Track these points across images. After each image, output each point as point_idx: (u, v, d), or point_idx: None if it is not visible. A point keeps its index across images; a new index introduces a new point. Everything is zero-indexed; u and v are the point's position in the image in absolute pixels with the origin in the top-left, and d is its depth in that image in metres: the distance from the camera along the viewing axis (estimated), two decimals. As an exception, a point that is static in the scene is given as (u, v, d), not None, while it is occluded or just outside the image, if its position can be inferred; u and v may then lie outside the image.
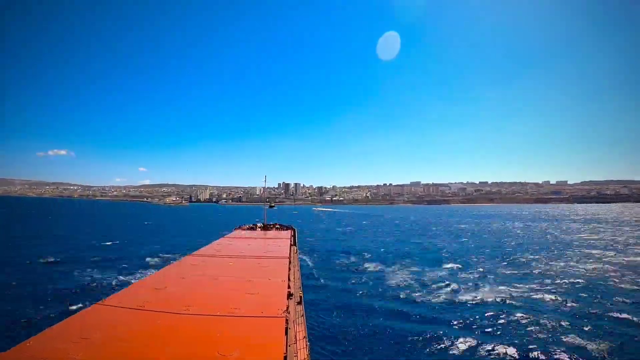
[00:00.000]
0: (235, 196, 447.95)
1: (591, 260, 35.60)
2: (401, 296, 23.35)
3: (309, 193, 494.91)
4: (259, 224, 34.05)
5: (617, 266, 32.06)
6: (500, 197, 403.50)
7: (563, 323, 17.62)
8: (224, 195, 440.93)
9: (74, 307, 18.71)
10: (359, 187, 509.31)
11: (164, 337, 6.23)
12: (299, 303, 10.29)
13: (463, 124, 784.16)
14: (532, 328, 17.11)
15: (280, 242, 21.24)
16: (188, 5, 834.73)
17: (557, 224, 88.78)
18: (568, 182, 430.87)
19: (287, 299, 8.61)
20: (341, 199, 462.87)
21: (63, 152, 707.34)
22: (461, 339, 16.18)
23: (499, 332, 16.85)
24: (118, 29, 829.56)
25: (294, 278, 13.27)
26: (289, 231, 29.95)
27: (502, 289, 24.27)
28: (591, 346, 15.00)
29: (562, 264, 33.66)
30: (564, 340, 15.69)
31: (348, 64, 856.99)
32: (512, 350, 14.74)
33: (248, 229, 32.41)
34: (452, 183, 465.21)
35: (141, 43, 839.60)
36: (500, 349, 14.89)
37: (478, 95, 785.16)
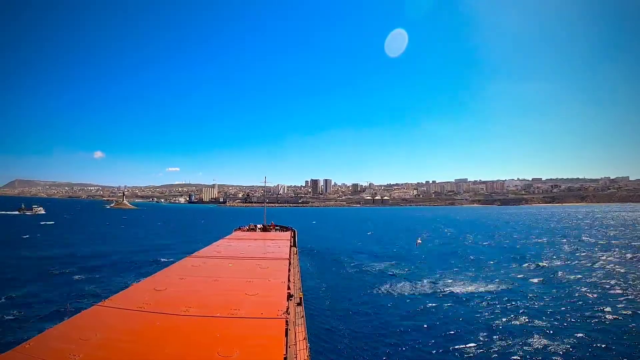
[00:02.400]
0: (256, 195, 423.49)
1: None
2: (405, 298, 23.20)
3: (342, 192, 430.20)
4: (258, 225, 34.11)
5: None
6: (594, 195, 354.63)
7: None
8: (240, 195, 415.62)
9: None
10: (397, 184, 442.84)
11: (163, 338, 6.25)
12: (299, 304, 10.28)
13: (500, 120, 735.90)
14: None
15: (280, 243, 21.28)
16: (233, 5, 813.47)
17: None
18: (630, 179, 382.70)
19: (287, 300, 8.55)
20: (385, 197, 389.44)
21: (96, 153, 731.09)
22: (462, 338, 15.99)
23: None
24: (150, 30, 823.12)
25: (294, 279, 13.25)
26: (289, 232, 30.05)
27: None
28: None
29: None
30: None
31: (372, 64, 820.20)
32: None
33: (248, 230, 32.46)
34: (502, 180, 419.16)
35: (176, 46, 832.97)
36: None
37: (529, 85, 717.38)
